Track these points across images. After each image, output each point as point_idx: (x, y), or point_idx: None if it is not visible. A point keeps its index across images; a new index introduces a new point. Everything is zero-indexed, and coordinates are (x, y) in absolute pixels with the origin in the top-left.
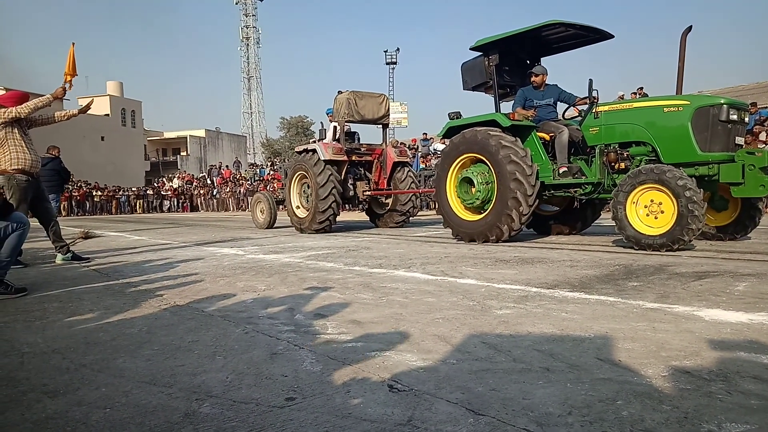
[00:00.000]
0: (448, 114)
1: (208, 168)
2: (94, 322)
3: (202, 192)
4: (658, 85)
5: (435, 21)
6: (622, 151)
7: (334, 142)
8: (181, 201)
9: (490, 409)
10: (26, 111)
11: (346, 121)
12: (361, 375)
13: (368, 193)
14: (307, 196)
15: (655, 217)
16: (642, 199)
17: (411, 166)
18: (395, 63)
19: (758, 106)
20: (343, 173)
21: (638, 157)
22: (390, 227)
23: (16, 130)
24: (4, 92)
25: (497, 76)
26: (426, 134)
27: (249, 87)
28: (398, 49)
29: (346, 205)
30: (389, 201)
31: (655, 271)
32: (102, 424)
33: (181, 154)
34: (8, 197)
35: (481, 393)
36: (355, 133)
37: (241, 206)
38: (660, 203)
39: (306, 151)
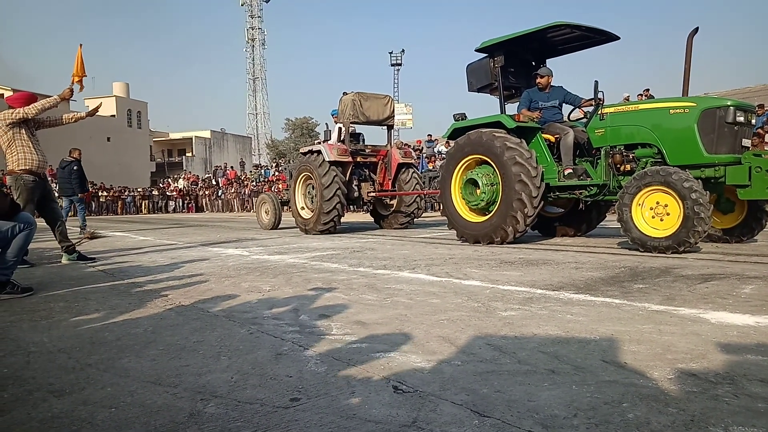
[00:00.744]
0: (453, 115)
1: (213, 169)
2: (99, 321)
3: (207, 193)
4: (664, 86)
5: (440, 22)
6: (628, 153)
7: (339, 144)
8: (186, 202)
9: (495, 410)
10: (33, 112)
11: (351, 123)
12: (366, 376)
13: (373, 194)
14: (312, 197)
15: (661, 219)
16: (648, 201)
17: (416, 167)
18: (400, 64)
19: (765, 108)
20: (348, 174)
21: (644, 159)
22: (394, 228)
23: (23, 131)
24: (12, 93)
25: (502, 78)
26: (431, 135)
27: (254, 88)
28: (403, 51)
29: (351, 206)
30: (394, 202)
31: (660, 274)
32: (107, 423)
33: (187, 154)
34: (15, 197)
35: (486, 395)
36: (360, 134)
37: (246, 207)
38: (666, 205)
39: (311, 152)
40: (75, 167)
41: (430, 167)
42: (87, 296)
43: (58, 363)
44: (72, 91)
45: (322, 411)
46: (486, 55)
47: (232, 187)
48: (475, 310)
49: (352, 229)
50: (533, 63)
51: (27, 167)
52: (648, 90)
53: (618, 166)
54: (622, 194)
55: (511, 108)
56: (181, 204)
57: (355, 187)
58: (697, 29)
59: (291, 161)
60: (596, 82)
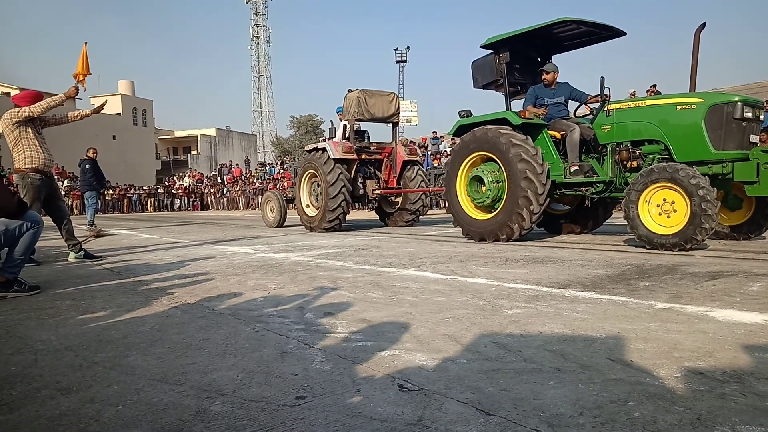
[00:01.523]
0: (459, 112)
1: (218, 167)
2: (106, 320)
3: (212, 191)
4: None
5: (445, 19)
6: (635, 150)
7: (344, 141)
8: (191, 199)
9: (501, 409)
10: (39, 110)
11: (356, 120)
12: (371, 374)
13: (378, 191)
14: (317, 195)
15: (668, 216)
16: (654, 198)
17: (421, 164)
18: (405, 61)
19: None
20: (353, 172)
21: (651, 156)
22: (400, 226)
23: (29, 130)
24: (18, 92)
25: (508, 74)
26: (436, 133)
27: (259, 86)
28: (408, 47)
29: (356, 204)
30: (399, 200)
31: (667, 271)
32: (114, 421)
33: (192, 152)
34: (22, 195)
35: (492, 393)
36: (365, 131)
37: (251, 205)
38: (673, 202)
39: (316, 149)
40: (87, 165)
41: (435, 164)
42: (93, 294)
43: (65, 361)
44: (77, 89)
45: (328, 409)
46: (491, 51)
47: (237, 184)
48: (480, 308)
49: (357, 226)
50: (539, 59)
51: (33, 165)
52: (655, 86)
53: (624, 162)
54: (628, 191)
55: (517, 105)
56: (186, 202)
57: (360, 185)
58: (704, 24)
59: (296, 159)
60: (602, 78)
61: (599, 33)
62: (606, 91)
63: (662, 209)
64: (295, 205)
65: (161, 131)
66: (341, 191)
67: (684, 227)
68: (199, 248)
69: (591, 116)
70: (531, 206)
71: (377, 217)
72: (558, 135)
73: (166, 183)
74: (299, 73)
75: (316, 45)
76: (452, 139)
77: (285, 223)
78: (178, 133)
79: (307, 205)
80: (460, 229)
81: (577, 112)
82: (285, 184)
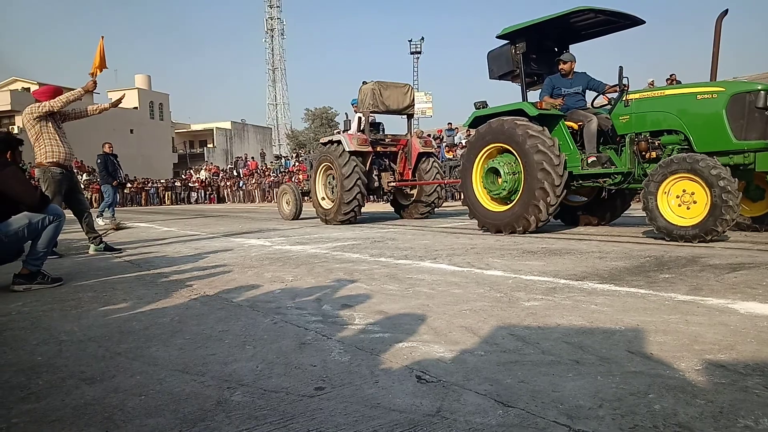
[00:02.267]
0: (474, 103)
1: (234, 160)
2: (127, 311)
3: (228, 183)
4: (690, 71)
5: (460, 9)
6: (654, 140)
7: (359, 133)
8: (208, 192)
9: (519, 401)
10: (59, 105)
11: (371, 112)
12: (389, 365)
13: (393, 184)
14: (333, 188)
15: (688, 208)
16: (674, 189)
17: (436, 156)
18: (420, 52)
19: None
20: (368, 164)
21: (670, 146)
22: (415, 218)
23: (50, 124)
24: (38, 87)
25: (524, 65)
26: (451, 124)
27: (274, 78)
28: (423, 39)
29: (371, 196)
30: (414, 192)
31: (687, 263)
32: (138, 410)
33: (208, 146)
34: (44, 189)
35: (510, 385)
36: (380, 123)
37: (267, 198)
38: (693, 193)
39: (331, 142)
40: (98, 160)
41: (450, 156)
42: (114, 286)
43: (89, 351)
44: (95, 83)
45: (347, 400)
46: (507, 41)
47: (253, 177)
48: (497, 300)
49: (373, 219)
50: (556, 49)
51: (54, 159)
52: (674, 75)
53: (643, 153)
54: (647, 182)
55: (534, 95)
56: (203, 195)
57: (376, 177)
58: (726, 11)
59: (311, 151)
60: (621, 67)
61: (617, 22)
62: (624, 81)
63: (682, 200)
64: (310, 198)
65: (177, 125)
66: (356, 183)
67: (704, 219)
68: (217, 241)
69: (609, 106)
70: (548, 198)
71: (392, 209)
72: (575, 126)
73: (182, 176)
74: (314, 66)
75: (331, 37)
76: (468, 131)
77: (301, 216)
78: (195, 127)
79: (323, 198)
80: (476, 221)
81: (595, 102)
82: (300, 176)
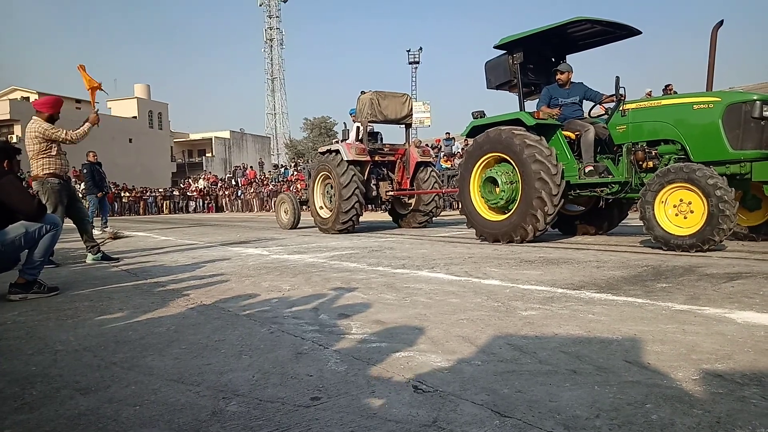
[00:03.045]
0: (472, 113)
1: (232, 169)
2: (123, 320)
3: (226, 193)
4: (687, 82)
5: (458, 19)
6: (650, 150)
7: (357, 143)
8: (206, 202)
9: (516, 411)
10: (75, 138)
11: (369, 122)
12: (386, 375)
13: (391, 193)
14: (331, 197)
15: (685, 217)
16: (671, 199)
17: (434, 165)
18: (418, 62)
19: None
20: (366, 173)
21: (667, 156)
22: (413, 227)
23: (54, 145)
24: (38, 97)
25: (521, 75)
26: (449, 134)
27: (273, 88)
28: (421, 49)
29: (369, 206)
30: (412, 201)
31: (684, 273)
32: (132, 420)
33: (207, 155)
34: (44, 201)
35: (507, 395)
36: (378, 133)
37: (266, 207)
38: (689, 203)
39: (329, 151)
40: (84, 170)
41: (445, 166)
42: (111, 296)
43: (84, 361)
44: (98, 117)
45: (343, 410)
46: (505, 51)
47: (251, 187)
48: (495, 310)
49: (371, 228)
50: (553, 59)
51: (51, 171)
52: (671, 85)
53: (640, 162)
54: (644, 192)
55: (531, 105)
56: (201, 204)
57: (374, 187)
58: (722, 22)
59: (309, 161)
60: (617, 77)
61: (614, 32)
62: (621, 91)
63: (679, 210)
64: (308, 207)
65: (176, 134)
66: (354, 193)
67: (701, 228)
68: (214, 250)
69: (606, 116)
70: (545, 207)
71: (390, 218)
72: (572, 135)
73: (181, 185)
74: (312, 76)
75: (329, 47)
76: (465, 140)
77: (299, 225)
78: (193, 136)
79: (321, 207)
80: (474, 231)
81: (592, 112)
82: (299, 186)
